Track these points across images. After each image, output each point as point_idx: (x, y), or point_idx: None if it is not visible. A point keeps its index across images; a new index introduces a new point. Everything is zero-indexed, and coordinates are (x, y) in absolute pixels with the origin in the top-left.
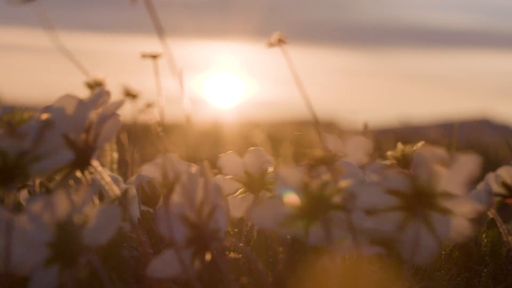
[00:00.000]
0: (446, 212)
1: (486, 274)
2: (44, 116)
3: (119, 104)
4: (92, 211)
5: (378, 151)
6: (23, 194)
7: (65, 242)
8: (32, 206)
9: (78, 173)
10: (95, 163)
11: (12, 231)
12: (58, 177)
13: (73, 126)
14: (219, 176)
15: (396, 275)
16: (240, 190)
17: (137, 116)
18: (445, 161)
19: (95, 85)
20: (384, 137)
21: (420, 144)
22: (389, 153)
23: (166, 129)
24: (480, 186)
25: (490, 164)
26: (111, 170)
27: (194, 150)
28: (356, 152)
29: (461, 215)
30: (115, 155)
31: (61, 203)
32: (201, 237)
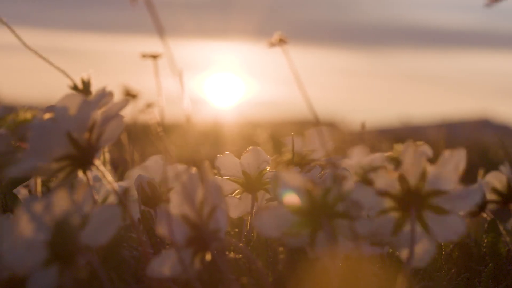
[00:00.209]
0: (440, 211)
1: (486, 274)
2: (47, 115)
3: (123, 104)
4: (92, 211)
5: (378, 151)
6: (23, 193)
7: (64, 242)
8: (31, 206)
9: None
10: (97, 162)
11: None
12: (60, 176)
13: (76, 126)
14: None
15: (396, 275)
16: (237, 191)
17: (137, 116)
18: (432, 159)
19: (82, 87)
20: (384, 137)
21: (409, 142)
22: (386, 154)
23: (166, 129)
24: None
25: (490, 164)
26: None
27: (194, 150)
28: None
29: (455, 212)
30: (107, 155)
31: (61, 203)
32: (201, 237)
